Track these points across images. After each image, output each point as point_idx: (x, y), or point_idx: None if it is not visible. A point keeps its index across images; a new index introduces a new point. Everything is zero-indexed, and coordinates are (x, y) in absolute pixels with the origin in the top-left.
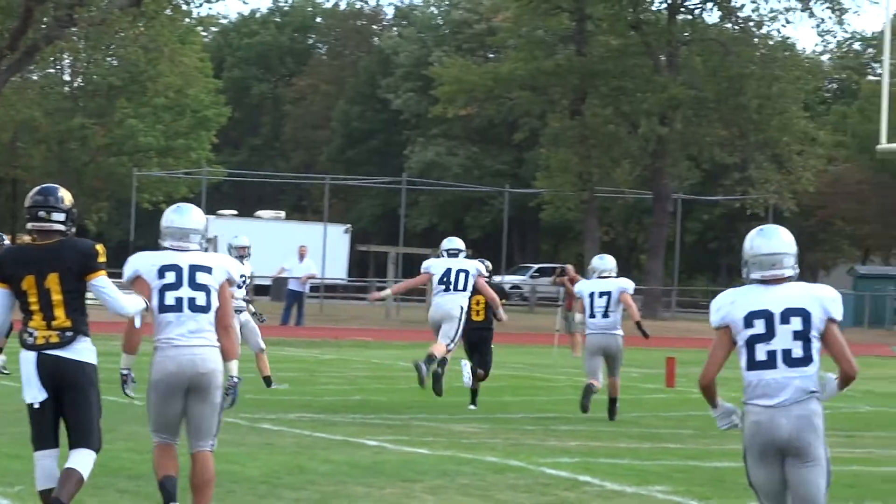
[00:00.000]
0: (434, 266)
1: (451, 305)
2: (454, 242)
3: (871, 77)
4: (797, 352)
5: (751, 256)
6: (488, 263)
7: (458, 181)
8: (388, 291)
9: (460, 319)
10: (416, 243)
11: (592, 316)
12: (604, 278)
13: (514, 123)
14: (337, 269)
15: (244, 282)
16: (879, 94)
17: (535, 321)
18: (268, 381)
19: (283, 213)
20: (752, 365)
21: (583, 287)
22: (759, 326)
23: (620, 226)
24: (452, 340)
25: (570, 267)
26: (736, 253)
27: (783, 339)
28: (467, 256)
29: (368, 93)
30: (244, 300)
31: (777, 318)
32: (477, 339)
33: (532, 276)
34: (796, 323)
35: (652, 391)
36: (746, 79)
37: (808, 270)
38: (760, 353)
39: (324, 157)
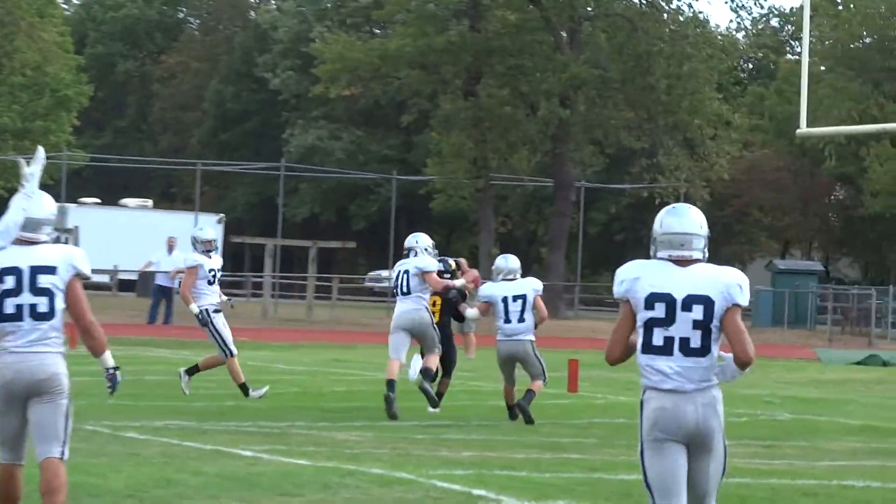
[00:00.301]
0: (396, 268)
1: (415, 315)
2: (410, 240)
3: (789, 56)
4: (695, 341)
5: (660, 234)
6: (460, 261)
7: (341, 167)
8: None
9: (431, 325)
10: (295, 234)
11: (508, 321)
12: (509, 280)
13: (402, 105)
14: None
15: (213, 276)
16: (799, 74)
17: None
18: (244, 388)
19: (150, 202)
20: (648, 349)
21: (493, 290)
22: (660, 310)
23: (518, 216)
24: (436, 345)
25: (463, 261)
26: (644, 246)
27: (682, 326)
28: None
29: (244, 71)
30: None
31: (678, 305)
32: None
33: None
34: (697, 312)
35: (553, 396)
36: (655, 57)
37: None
38: (658, 337)
39: (195, 141)
